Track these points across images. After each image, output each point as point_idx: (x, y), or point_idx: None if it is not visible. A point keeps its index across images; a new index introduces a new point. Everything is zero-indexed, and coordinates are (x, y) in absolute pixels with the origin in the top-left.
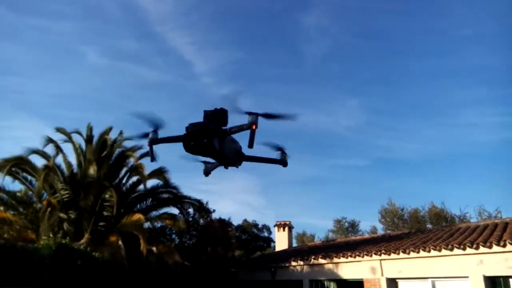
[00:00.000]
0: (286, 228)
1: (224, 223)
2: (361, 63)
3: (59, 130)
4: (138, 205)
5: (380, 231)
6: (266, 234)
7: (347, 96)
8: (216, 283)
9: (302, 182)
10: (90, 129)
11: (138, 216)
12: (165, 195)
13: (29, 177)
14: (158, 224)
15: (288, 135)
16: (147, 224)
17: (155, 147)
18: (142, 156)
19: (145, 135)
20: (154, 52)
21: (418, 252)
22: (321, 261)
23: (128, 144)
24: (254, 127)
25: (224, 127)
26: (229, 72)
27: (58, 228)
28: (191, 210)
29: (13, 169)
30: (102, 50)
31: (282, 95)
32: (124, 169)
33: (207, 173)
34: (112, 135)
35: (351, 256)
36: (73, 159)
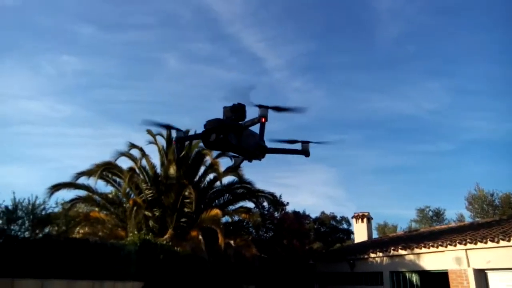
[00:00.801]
0: (365, 220)
1: (299, 216)
2: (440, 41)
3: (149, 132)
4: (216, 201)
5: (468, 219)
6: (345, 226)
7: (427, 78)
8: (293, 275)
9: (382, 171)
10: (169, 131)
11: (215, 211)
12: (240, 190)
13: (118, 179)
14: (236, 218)
15: (364, 123)
16: (225, 219)
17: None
18: (218, 155)
19: (168, 127)
20: (228, 52)
21: (510, 240)
22: (402, 252)
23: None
24: (263, 120)
25: (240, 122)
26: (301, 64)
27: (145, 225)
28: (266, 204)
29: (104, 173)
30: (181, 55)
31: (356, 82)
32: (202, 168)
33: (236, 167)
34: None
35: (433, 246)
36: (156, 161)
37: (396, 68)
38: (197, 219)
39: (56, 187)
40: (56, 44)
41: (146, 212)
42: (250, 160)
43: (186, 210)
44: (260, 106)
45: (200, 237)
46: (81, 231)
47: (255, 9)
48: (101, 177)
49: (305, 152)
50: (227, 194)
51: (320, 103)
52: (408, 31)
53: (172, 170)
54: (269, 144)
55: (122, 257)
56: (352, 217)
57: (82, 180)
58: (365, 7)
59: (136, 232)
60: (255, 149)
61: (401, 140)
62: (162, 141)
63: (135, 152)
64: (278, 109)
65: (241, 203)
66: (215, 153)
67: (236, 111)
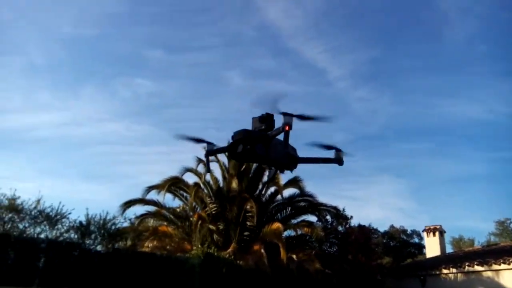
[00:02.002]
0: (437, 233)
1: (364, 230)
2: None
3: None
4: (278, 214)
5: None
6: (416, 240)
7: (502, 79)
8: None
9: (458, 180)
10: None
11: (277, 225)
12: (302, 203)
13: (185, 194)
14: (298, 232)
15: (435, 129)
16: (287, 233)
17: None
18: None
19: (199, 141)
20: (290, 66)
21: None
22: (478, 268)
23: None
24: (287, 128)
25: (268, 132)
26: (364, 72)
27: (209, 239)
28: (329, 218)
29: (171, 187)
30: (244, 72)
31: (424, 87)
32: (262, 181)
33: (272, 178)
34: None
35: None
36: (219, 175)
37: (467, 70)
38: (259, 232)
39: (128, 204)
40: (130, 68)
41: (211, 226)
42: (281, 171)
43: (248, 223)
44: (284, 114)
45: (263, 251)
46: (150, 244)
47: (315, 20)
48: (169, 191)
49: (338, 160)
50: (289, 208)
51: (387, 111)
52: (478, 30)
53: (234, 184)
54: (303, 148)
55: (186, 270)
56: (423, 231)
57: (152, 194)
58: (430, 8)
59: (200, 246)
60: (286, 159)
61: (477, 146)
62: (223, 157)
63: (200, 168)
64: (302, 117)
65: (303, 217)
66: None
67: (264, 121)
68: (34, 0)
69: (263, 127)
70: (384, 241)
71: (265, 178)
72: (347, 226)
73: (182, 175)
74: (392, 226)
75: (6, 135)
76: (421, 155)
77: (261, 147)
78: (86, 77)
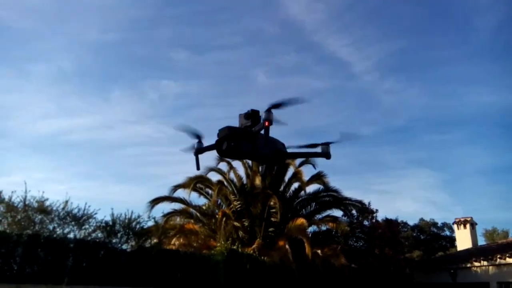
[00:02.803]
0: (468, 225)
1: (392, 223)
2: None
3: None
4: (303, 210)
5: None
6: (447, 233)
7: None
8: (387, 286)
9: (494, 171)
10: None
11: (301, 220)
12: (327, 198)
13: (210, 192)
14: (323, 228)
15: (469, 119)
16: (312, 228)
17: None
18: (302, 163)
19: (196, 135)
20: (314, 61)
21: None
22: (510, 260)
23: None
24: (266, 123)
25: (253, 128)
26: (391, 64)
27: (235, 235)
28: (355, 212)
29: (197, 185)
30: (269, 69)
31: (455, 76)
32: (286, 177)
33: (264, 175)
34: None
35: None
36: (242, 173)
37: (502, 57)
38: (284, 228)
39: (156, 201)
40: (156, 70)
41: (235, 223)
42: (269, 167)
43: (272, 219)
44: (267, 110)
45: (287, 246)
46: (177, 242)
47: (339, 13)
48: (194, 189)
49: (325, 154)
50: (313, 203)
51: (416, 103)
52: (510, 16)
53: (258, 181)
54: (289, 151)
55: (210, 266)
56: (453, 223)
57: (179, 193)
58: None
59: (223, 242)
60: (274, 154)
61: (509, 135)
62: None
63: (223, 166)
64: (276, 106)
65: (328, 212)
66: (298, 161)
67: (249, 117)
68: (61, 9)
69: (249, 123)
70: (414, 234)
71: (289, 174)
72: (373, 220)
73: (206, 174)
74: (422, 219)
75: (41, 140)
76: (453, 146)
77: (246, 143)
78: (114, 81)
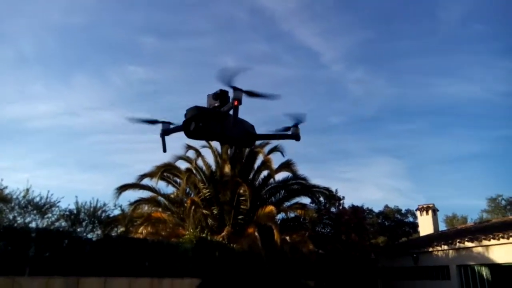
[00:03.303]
0: (430, 212)
1: (357, 210)
2: None
3: None
4: (273, 198)
5: None
6: (411, 219)
7: (498, 58)
8: (354, 271)
9: (453, 160)
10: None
11: (270, 208)
12: (295, 186)
13: (178, 180)
14: (292, 215)
15: (431, 109)
16: (281, 215)
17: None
18: (270, 151)
19: (152, 122)
20: (284, 49)
21: None
22: (468, 244)
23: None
24: (236, 103)
25: (221, 109)
26: (359, 54)
27: (204, 223)
28: (322, 199)
29: (164, 174)
30: (238, 57)
31: (420, 68)
32: (256, 165)
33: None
34: None
35: (503, 237)
36: (211, 161)
37: (463, 49)
38: (253, 216)
39: (123, 188)
40: (122, 56)
41: (204, 211)
42: (239, 148)
43: (242, 207)
44: (234, 89)
45: (256, 233)
46: (144, 231)
47: (309, 2)
48: (162, 178)
49: (295, 136)
50: (282, 191)
51: (383, 93)
52: (474, 9)
53: (227, 169)
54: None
55: (179, 255)
56: (416, 210)
57: (146, 182)
58: None
59: (191, 231)
60: (243, 136)
61: (472, 125)
62: (215, 142)
63: (191, 154)
64: (251, 94)
65: (297, 199)
66: (267, 149)
67: (218, 97)
68: None
69: (217, 104)
70: (379, 221)
71: (258, 162)
72: (340, 207)
73: (175, 162)
74: (386, 206)
75: (2, 126)
76: (417, 136)
77: (215, 124)
78: (78, 66)
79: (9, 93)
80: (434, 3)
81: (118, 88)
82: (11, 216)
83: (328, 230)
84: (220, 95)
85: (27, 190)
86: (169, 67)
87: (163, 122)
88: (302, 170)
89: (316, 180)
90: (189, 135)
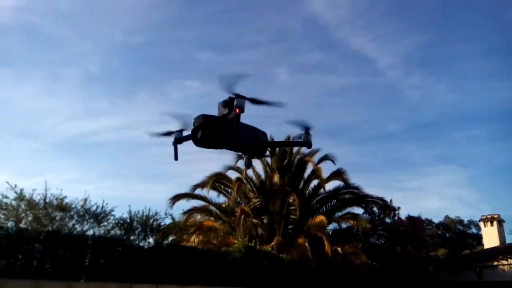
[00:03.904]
0: (495, 223)
1: (415, 221)
2: None
3: None
4: (324, 207)
5: None
6: (474, 230)
7: None
8: (409, 284)
9: None
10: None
11: (320, 218)
12: (347, 196)
13: (229, 190)
14: (344, 225)
15: (496, 115)
16: (332, 226)
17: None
18: (320, 160)
19: (168, 134)
20: (338, 58)
21: None
22: None
23: (306, 150)
24: (238, 110)
25: (228, 117)
26: (416, 59)
27: (255, 233)
28: (376, 210)
29: (216, 184)
30: (291, 67)
31: (483, 71)
32: (305, 175)
33: (248, 165)
34: None
35: None
36: (260, 170)
37: None
38: (303, 226)
39: (176, 198)
40: (180, 71)
41: (254, 220)
42: (251, 157)
43: (292, 217)
44: (237, 96)
45: (307, 244)
46: (196, 239)
47: (363, 9)
48: (213, 187)
49: (306, 143)
50: (334, 200)
51: (442, 98)
52: None
53: (276, 178)
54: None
55: (228, 263)
56: (479, 220)
57: (199, 192)
58: None
59: (240, 239)
60: (253, 143)
61: None
62: None
63: (241, 164)
64: (254, 101)
65: (348, 209)
66: (316, 158)
67: (227, 105)
68: (88, 14)
69: (226, 111)
70: (439, 232)
71: (307, 172)
72: (395, 217)
73: (226, 172)
74: (447, 217)
75: (71, 141)
76: (481, 142)
77: (222, 132)
78: (140, 82)
79: (77, 110)
80: (503, 3)
81: (177, 102)
82: (70, 224)
83: (383, 241)
84: (229, 103)
85: (85, 200)
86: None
87: (176, 132)
88: (356, 179)
89: (372, 189)
90: (197, 143)
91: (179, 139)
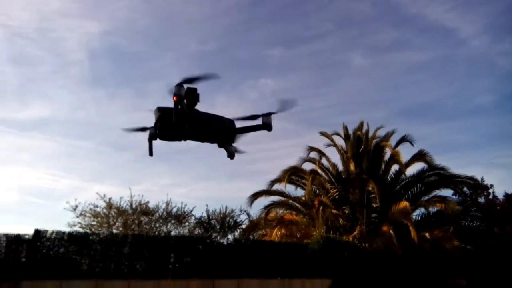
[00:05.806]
0: None
1: None
2: None
3: (322, 133)
4: (409, 193)
5: None
6: None
7: None
8: (510, 267)
9: None
10: (345, 128)
11: (404, 204)
12: (432, 178)
13: (306, 182)
14: (432, 209)
15: None
16: (419, 211)
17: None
18: (398, 143)
19: (143, 129)
20: (414, 33)
21: None
22: None
23: (381, 133)
24: (175, 98)
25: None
26: (504, 23)
27: (338, 224)
28: (466, 190)
29: (292, 177)
30: (364, 50)
31: None
32: (384, 160)
33: (229, 156)
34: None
35: None
36: (337, 160)
37: None
38: (387, 213)
39: (255, 196)
40: (253, 71)
41: (334, 211)
42: (220, 146)
43: (374, 205)
44: (176, 85)
45: (391, 231)
46: (278, 233)
47: None
48: (290, 181)
49: (266, 126)
50: (418, 184)
51: None
52: None
53: (352, 167)
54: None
55: (307, 255)
56: None
57: (277, 187)
58: None
59: (318, 231)
60: (218, 132)
61: None
62: (340, 140)
63: (315, 155)
64: (188, 81)
65: (435, 192)
66: (393, 141)
67: (188, 96)
68: (163, 29)
69: (186, 102)
70: None
71: (386, 157)
72: (489, 197)
73: (301, 165)
74: None
75: (163, 148)
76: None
77: (181, 123)
78: (217, 87)
79: None
80: None
81: (252, 101)
82: (155, 227)
83: (478, 223)
84: (188, 93)
85: (167, 203)
86: (296, 74)
87: (150, 128)
88: (448, 160)
89: (468, 169)
90: (160, 137)
91: (153, 135)
